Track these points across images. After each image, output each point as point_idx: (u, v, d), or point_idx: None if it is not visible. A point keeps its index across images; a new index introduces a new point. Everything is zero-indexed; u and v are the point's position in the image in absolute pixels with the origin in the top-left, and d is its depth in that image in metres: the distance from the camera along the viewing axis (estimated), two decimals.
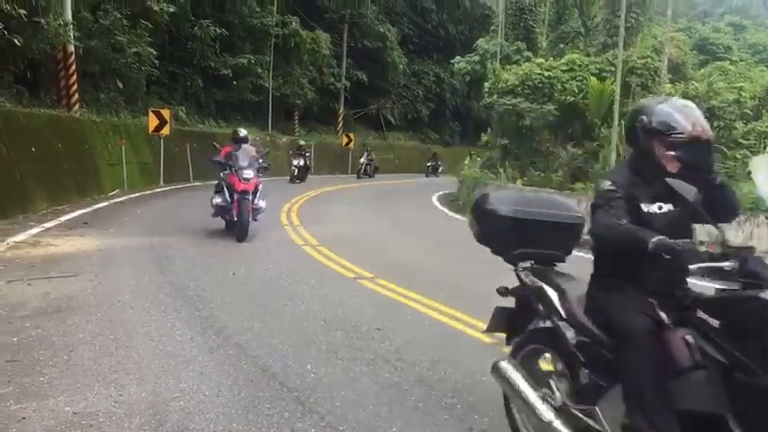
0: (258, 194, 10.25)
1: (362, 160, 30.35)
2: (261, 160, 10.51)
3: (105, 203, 13.89)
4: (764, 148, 13.00)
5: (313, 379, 4.26)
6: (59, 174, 13.54)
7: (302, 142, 26.41)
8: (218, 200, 10.23)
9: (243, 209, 9.75)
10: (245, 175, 9.90)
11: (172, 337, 5.02)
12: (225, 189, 10.15)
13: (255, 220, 10.21)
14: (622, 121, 14.39)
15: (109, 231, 10.19)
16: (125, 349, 4.68)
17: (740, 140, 14.28)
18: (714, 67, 20.36)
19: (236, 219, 9.84)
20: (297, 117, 33.35)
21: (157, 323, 5.37)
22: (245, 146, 10.55)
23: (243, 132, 10.97)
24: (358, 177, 29.23)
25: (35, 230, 9.77)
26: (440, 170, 34.83)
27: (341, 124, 36.93)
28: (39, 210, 11.73)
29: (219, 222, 10.48)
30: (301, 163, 23.92)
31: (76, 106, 16.49)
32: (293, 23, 30.22)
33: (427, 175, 33.75)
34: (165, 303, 6.03)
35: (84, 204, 13.28)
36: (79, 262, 7.72)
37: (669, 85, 15.65)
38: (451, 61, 30.66)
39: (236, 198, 9.84)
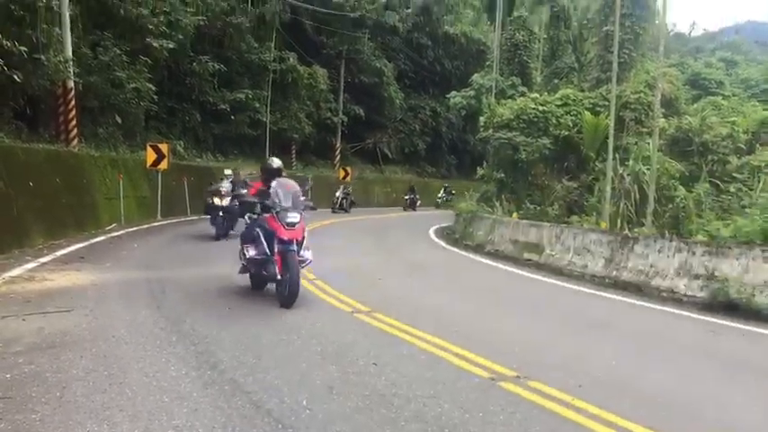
0: (304, 243, 7.97)
1: (338, 194, 28.75)
2: (304, 197, 8.31)
3: (102, 238, 13.87)
4: (758, 182, 13.10)
5: (308, 415, 4.21)
6: (57, 208, 13.56)
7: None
8: (252, 252, 7.93)
9: (290, 264, 7.38)
10: (289, 219, 7.62)
11: (166, 372, 4.98)
12: (261, 237, 7.87)
13: None
14: (617, 155, 14.54)
15: (105, 266, 10.16)
16: (119, 385, 4.63)
17: (734, 174, 14.42)
18: (707, 102, 20.60)
19: (279, 276, 7.53)
20: (294, 151, 33.66)
21: (152, 358, 5.33)
22: (282, 179, 8.26)
23: (277, 163, 8.76)
24: (333, 212, 27.40)
25: (31, 265, 9.73)
26: (418, 204, 34.15)
27: (338, 158, 37.26)
28: (35, 244, 11.71)
29: (217, 255, 9.57)
30: None
31: (75, 141, 16.61)
32: (291, 59, 30.78)
33: (405, 209, 33.22)
34: (161, 338, 5.98)
35: (81, 239, 13.25)
36: (74, 297, 7.68)
37: (663, 119, 15.82)
38: (447, 96, 30.98)
39: (278, 249, 7.59)
